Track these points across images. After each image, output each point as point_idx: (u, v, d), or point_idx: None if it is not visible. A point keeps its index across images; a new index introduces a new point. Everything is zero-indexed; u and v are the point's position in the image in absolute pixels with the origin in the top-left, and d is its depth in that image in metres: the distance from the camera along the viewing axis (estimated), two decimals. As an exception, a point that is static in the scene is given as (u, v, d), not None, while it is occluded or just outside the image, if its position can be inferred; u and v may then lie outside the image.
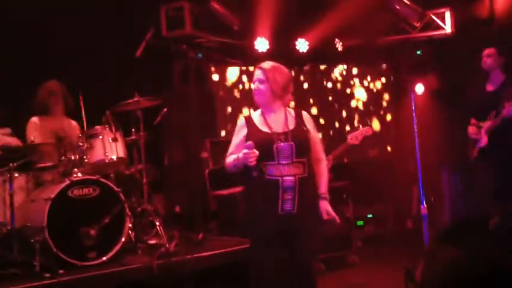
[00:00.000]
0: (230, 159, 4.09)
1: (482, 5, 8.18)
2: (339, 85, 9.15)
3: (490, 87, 5.93)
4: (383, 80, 9.38)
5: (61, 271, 4.78)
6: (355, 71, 9.23)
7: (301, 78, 8.85)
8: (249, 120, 4.14)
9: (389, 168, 8.78)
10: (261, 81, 4.07)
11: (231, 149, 4.17)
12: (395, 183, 8.60)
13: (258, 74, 4.10)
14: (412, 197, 8.39)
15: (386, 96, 9.37)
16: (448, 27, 8.30)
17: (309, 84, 8.92)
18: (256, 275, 4.11)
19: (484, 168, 5.77)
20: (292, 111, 4.17)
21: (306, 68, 8.81)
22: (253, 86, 4.14)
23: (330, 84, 9.08)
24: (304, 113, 4.21)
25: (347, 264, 7.01)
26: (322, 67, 9.02)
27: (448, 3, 8.27)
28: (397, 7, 8.32)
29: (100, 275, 4.92)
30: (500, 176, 5.69)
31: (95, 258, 5.10)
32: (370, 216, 8.14)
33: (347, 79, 9.21)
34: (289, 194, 3.94)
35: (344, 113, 9.11)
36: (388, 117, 9.32)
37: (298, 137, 4.02)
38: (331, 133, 8.89)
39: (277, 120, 4.09)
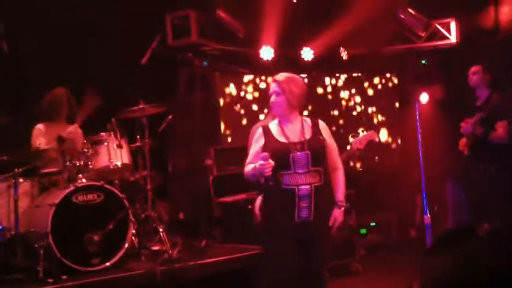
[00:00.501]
0: (248, 168, 4.18)
1: (487, 15, 8.21)
2: (343, 94, 9.18)
3: (477, 103, 6.09)
4: (388, 89, 9.39)
5: (64, 277, 4.81)
6: (360, 79, 9.26)
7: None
8: (266, 130, 4.22)
9: (394, 177, 8.78)
10: (277, 94, 4.15)
11: (249, 158, 4.26)
12: (399, 192, 8.59)
13: (273, 86, 4.19)
14: (416, 206, 8.37)
15: (391, 105, 9.38)
16: (453, 37, 8.32)
17: (312, 92, 8.95)
18: (270, 282, 4.17)
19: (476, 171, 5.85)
20: (309, 120, 4.25)
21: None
22: (271, 99, 4.20)
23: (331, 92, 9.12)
24: (321, 122, 4.28)
25: (350, 272, 7.01)
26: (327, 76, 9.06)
27: (453, 13, 8.29)
28: (402, 17, 8.36)
29: (103, 281, 4.95)
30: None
31: (99, 264, 5.13)
32: (373, 224, 8.14)
33: (351, 88, 9.24)
34: (305, 202, 4.03)
35: (344, 121, 9.14)
36: (393, 126, 9.33)
37: (314, 146, 4.09)
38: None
39: (294, 130, 4.17)
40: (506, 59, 7.54)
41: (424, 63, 8.77)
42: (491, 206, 5.70)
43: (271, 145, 4.12)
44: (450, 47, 8.36)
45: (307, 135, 4.14)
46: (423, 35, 8.47)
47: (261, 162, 3.95)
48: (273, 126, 4.23)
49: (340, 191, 4.23)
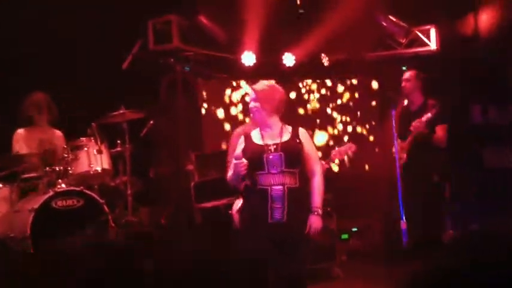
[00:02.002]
0: (229, 173, 4.30)
1: (466, 23, 8.29)
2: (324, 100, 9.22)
3: (412, 108, 6.17)
4: (368, 94, 9.43)
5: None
6: (341, 86, 9.30)
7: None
8: (247, 136, 4.32)
9: (375, 182, 8.81)
10: (255, 101, 4.25)
11: (230, 164, 4.34)
12: (380, 197, 8.62)
13: (251, 94, 4.31)
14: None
15: (371, 111, 9.42)
16: (433, 44, 8.40)
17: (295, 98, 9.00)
18: None
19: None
20: (290, 127, 4.32)
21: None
22: (249, 105, 4.32)
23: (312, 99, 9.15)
24: (301, 129, 4.35)
25: (330, 277, 7.02)
26: (308, 81, 9.09)
27: (433, 20, 8.38)
28: (383, 23, 8.43)
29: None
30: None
31: (78, 269, 5.11)
32: (355, 229, 8.16)
33: (333, 94, 9.28)
34: (278, 203, 4.08)
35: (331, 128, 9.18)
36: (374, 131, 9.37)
37: (288, 148, 4.16)
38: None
39: (272, 134, 4.26)
40: (486, 66, 7.64)
41: (404, 70, 8.83)
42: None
43: (248, 148, 4.21)
44: (430, 53, 8.44)
45: (284, 138, 4.22)
46: (403, 41, 8.55)
47: (235, 161, 4.08)
48: (254, 132, 4.33)
49: (317, 197, 4.24)
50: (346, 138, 9.01)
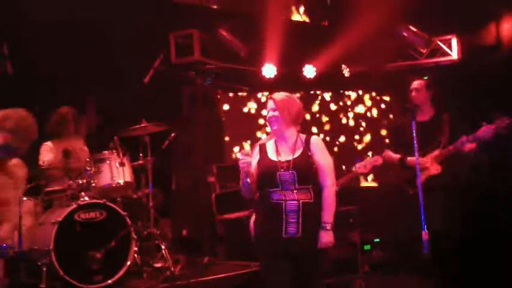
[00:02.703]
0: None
1: (488, 32, 8.25)
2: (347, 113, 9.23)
3: (422, 118, 5.70)
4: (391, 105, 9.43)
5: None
6: (366, 97, 9.32)
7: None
8: (262, 147, 4.31)
9: (397, 193, 8.76)
10: (273, 110, 4.24)
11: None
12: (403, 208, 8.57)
13: (270, 104, 4.29)
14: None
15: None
16: (454, 54, 8.38)
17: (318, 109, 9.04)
18: None
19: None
20: (304, 138, 4.28)
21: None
22: (268, 115, 4.30)
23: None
24: (313, 139, 4.28)
25: (353, 289, 7.00)
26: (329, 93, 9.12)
27: (455, 30, 8.35)
28: (404, 34, 8.42)
29: (105, 298, 5.00)
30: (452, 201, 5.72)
31: (101, 282, 5.17)
32: (377, 240, 8.12)
33: (356, 105, 9.29)
34: (292, 217, 4.05)
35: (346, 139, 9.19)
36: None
37: (300, 166, 4.12)
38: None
39: (286, 147, 4.23)
40: (508, 75, 7.57)
41: (426, 79, 8.79)
42: None
43: (262, 162, 4.20)
44: (452, 63, 8.40)
45: (297, 153, 4.18)
46: (424, 51, 8.53)
47: (239, 155, 4.12)
48: (269, 144, 4.31)
49: (326, 212, 4.14)
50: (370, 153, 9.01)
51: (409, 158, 5.68)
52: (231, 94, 8.59)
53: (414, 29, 8.35)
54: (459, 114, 5.90)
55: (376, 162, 5.64)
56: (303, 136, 4.29)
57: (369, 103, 9.39)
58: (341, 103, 9.24)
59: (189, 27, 7.69)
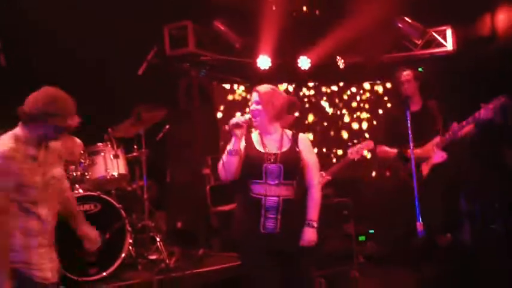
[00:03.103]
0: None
1: (483, 23, 8.24)
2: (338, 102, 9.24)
3: (414, 108, 5.69)
4: (385, 97, 9.43)
5: (62, 287, 4.83)
6: (354, 89, 9.32)
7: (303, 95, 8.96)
8: (247, 137, 4.19)
9: (392, 184, 8.78)
10: (257, 103, 4.13)
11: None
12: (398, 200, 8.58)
13: (254, 96, 4.17)
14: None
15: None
16: (449, 45, 8.38)
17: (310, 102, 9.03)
18: None
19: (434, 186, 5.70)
20: (290, 134, 4.22)
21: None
22: (251, 108, 4.18)
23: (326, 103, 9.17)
24: (301, 136, 4.23)
25: (349, 280, 7.01)
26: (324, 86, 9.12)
27: (450, 21, 8.34)
28: (399, 25, 8.41)
29: (100, 291, 4.99)
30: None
31: (96, 274, 5.18)
32: (372, 231, 8.14)
33: (349, 97, 9.30)
34: (271, 213, 3.98)
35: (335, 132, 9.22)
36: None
37: (288, 160, 4.05)
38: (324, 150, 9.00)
39: (272, 140, 4.15)
40: (503, 66, 7.57)
41: (420, 71, 8.80)
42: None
43: (249, 152, 4.08)
44: (447, 54, 8.40)
45: (284, 148, 4.11)
46: (419, 42, 8.52)
47: (236, 118, 4.02)
48: (255, 135, 4.22)
49: (312, 209, 4.10)
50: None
51: (408, 150, 5.66)
52: (227, 86, 8.59)
53: (409, 20, 8.33)
54: (451, 103, 5.91)
55: (368, 146, 5.64)
56: (288, 132, 4.23)
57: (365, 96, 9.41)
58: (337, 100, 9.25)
59: (184, 19, 7.66)
